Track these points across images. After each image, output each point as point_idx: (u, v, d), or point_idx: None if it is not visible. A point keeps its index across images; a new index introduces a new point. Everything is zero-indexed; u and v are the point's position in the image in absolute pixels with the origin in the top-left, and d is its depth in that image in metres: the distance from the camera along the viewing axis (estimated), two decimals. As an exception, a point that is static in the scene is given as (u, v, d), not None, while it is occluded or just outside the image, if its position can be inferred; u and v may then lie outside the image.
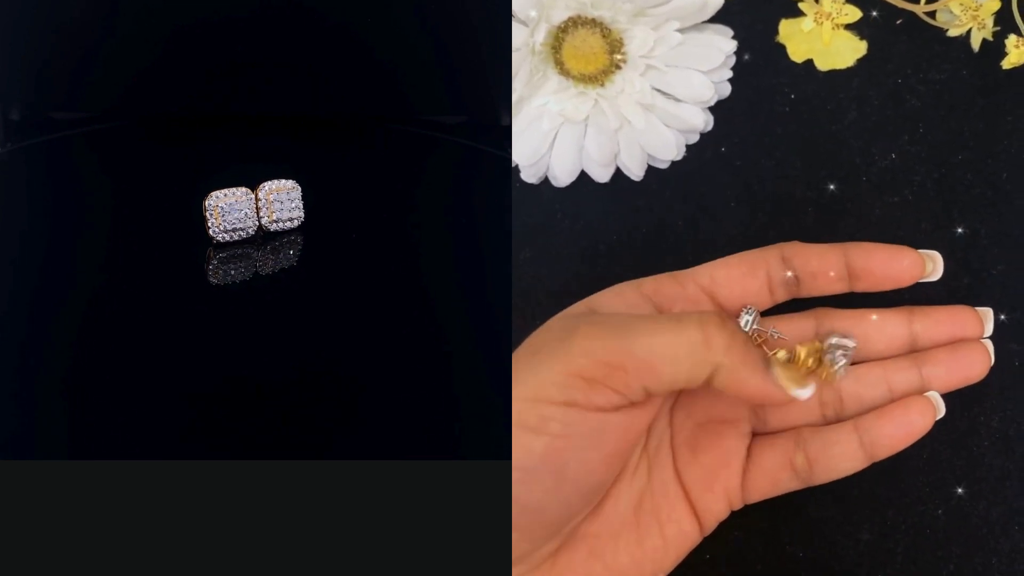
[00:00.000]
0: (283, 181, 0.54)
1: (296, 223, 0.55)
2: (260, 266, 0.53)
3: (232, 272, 0.52)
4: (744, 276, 0.47)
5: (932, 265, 0.48)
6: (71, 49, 0.60)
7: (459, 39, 0.61)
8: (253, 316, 0.50)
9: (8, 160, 0.59)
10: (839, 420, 0.48)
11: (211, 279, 0.52)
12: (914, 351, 0.48)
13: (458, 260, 0.54)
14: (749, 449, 0.47)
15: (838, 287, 0.48)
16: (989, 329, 0.49)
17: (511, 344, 0.39)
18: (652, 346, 0.41)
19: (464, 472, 0.42)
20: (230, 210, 0.53)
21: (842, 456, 0.47)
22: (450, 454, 0.43)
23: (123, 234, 0.54)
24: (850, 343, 0.47)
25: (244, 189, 0.53)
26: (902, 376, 0.48)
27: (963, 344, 0.48)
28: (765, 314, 0.48)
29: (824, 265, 0.47)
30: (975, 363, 0.48)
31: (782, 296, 0.48)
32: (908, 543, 0.50)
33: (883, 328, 0.48)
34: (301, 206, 0.55)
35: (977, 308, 0.49)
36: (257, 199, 0.53)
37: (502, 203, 0.52)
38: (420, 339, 0.49)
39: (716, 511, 0.47)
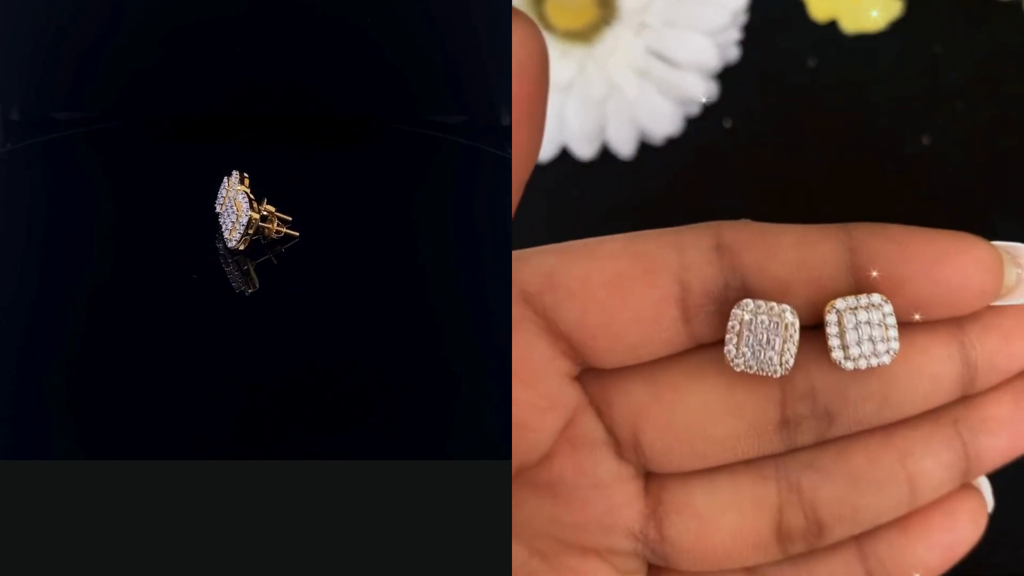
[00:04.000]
0: (244, 203, 0.51)
1: (227, 243, 0.51)
2: (250, 264, 0.53)
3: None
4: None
5: (1018, 273, 0.29)
6: (71, 49, 0.62)
7: (459, 39, 0.62)
8: (252, 316, 0.50)
9: (8, 160, 0.60)
10: (812, 549, 0.31)
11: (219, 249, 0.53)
12: (966, 396, 0.30)
13: (457, 259, 0.55)
14: None
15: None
16: None
17: (510, 344, 0.38)
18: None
19: (464, 472, 0.42)
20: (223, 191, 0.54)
21: None
22: (449, 454, 0.44)
23: (124, 234, 0.56)
24: None
25: (244, 191, 0.52)
26: (936, 459, 0.29)
27: None
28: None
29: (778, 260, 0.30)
30: None
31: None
32: None
33: (924, 361, 0.29)
34: (236, 238, 0.51)
35: None
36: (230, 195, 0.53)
37: (502, 203, 0.52)
38: (418, 339, 0.49)
39: None
